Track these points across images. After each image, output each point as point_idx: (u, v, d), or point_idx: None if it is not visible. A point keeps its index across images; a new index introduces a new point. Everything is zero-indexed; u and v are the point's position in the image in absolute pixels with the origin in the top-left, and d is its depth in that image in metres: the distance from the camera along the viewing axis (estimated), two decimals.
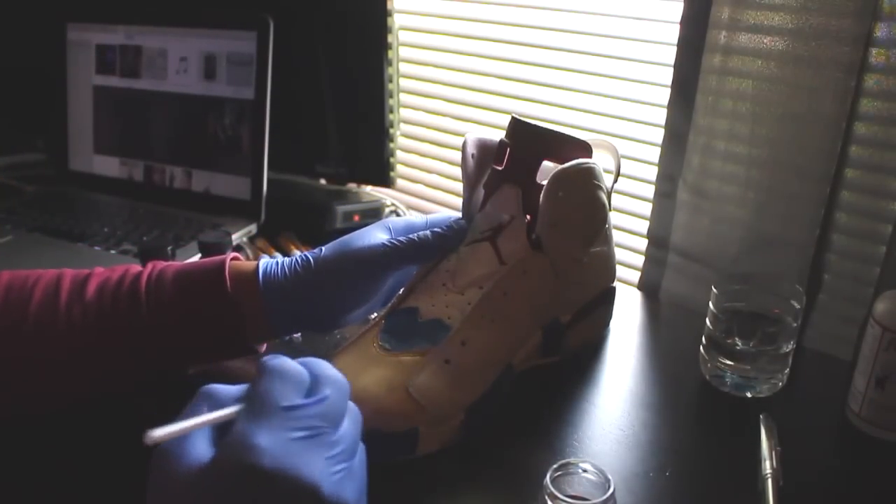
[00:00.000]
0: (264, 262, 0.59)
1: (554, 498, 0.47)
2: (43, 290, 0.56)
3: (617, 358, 0.75)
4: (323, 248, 0.60)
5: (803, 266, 0.74)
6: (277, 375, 0.38)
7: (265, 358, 0.40)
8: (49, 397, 0.58)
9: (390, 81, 1.12)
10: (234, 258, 0.60)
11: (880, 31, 0.66)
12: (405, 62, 1.12)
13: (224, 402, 0.38)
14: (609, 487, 0.47)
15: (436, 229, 0.62)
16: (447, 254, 0.64)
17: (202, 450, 0.35)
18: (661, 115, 0.82)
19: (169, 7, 1.07)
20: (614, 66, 0.90)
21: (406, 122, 1.15)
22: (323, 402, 0.37)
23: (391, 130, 1.15)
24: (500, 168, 0.65)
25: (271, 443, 0.34)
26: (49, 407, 0.60)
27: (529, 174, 0.64)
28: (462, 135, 0.60)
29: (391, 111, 1.14)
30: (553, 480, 0.49)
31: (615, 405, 0.67)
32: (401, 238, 0.60)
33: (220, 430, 0.37)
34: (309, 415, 0.36)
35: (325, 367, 0.40)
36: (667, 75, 0.80)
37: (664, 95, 0.81)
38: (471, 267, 0.63)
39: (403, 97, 1.14)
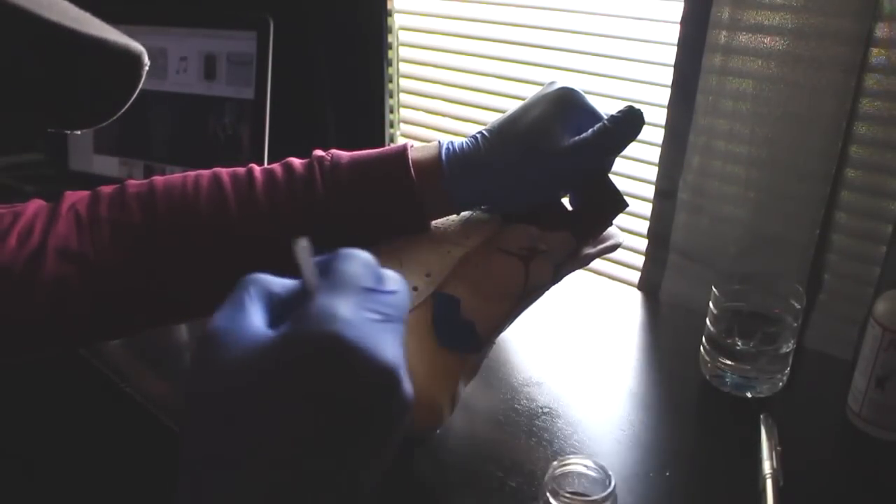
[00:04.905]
0: (445, 143, 0.59)
1: (556, 494, 0.47)
2: (208, 192, 0.57)
3: (617, 358, 0.75)
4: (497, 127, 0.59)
5: (803, 266, 0.74)
6: (355, 258, 0.35)
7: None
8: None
9: (390, 81, 1.12)
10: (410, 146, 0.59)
11: (880, 31, 0.66)
12: (405, 62, 1.12)
13: (271, 287, 0.35)
14: (610, 484, 0.47)
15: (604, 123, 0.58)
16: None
17: (259, 330, 0.32)
18: (661, 115, 0.82)
19: (169, 7, 1.07)
20: (614, 66, 0.90)
21: (406, 122, 1.15)
22: (395, 294, 0.35)
23: (391, 130, 1.15)
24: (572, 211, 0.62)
25: (353, 317, 0.31)
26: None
27: (591, 233, 0.63)
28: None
29: (391, 111, 1.14)
30: (554, 478, 0.49)
31: (615, 405, 0.67)
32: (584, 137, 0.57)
33: (276, 316, 0.34)
34: (385, 301, 0.34)
35: (388, 271, 0.38)
36: (667, 75, 0.80)
37: (664, 95, 0.81)
38: (498, 278, 0.59)
39: (403, 97, 1.14)
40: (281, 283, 0.35)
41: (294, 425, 0.31)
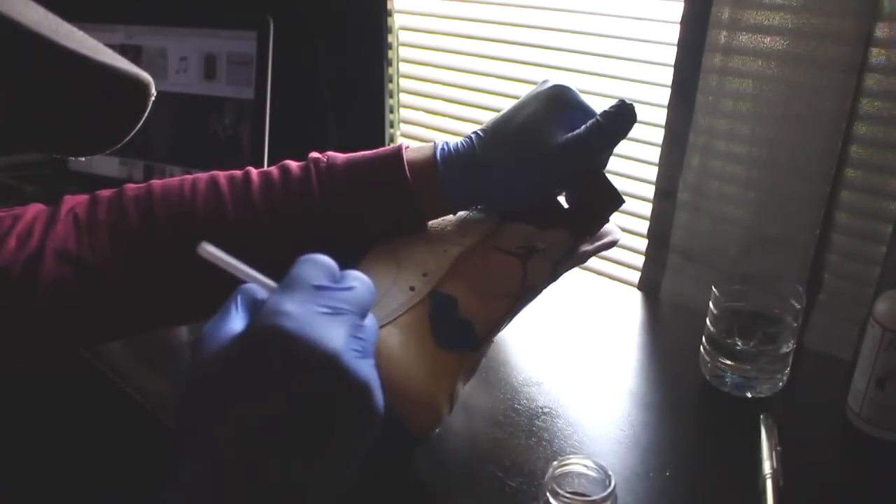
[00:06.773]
0: (440, 144, 0.59)
1: (555, 494, 0.47)
2: (204, 195, 0.57)
3: (617, 358, 0.75)
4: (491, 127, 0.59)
5: (803, 266, 0.74)
6: (310, 261, 0.39)
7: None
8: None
9: (390, 81, 1.12)
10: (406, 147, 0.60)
11: (880, 31, 0.66)
12: (405, 62, 1.12)
13: (255, 294, 0.40)
14: (610, 484, 0.47)
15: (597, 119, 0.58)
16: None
17: (235, 330, 0.37)
18: (661, 115, 0.82)
19: (169, 7, 1.07)
20: (614, 66, 0.90)
21: (406, 122, 1.15)
22: (351, 290, 0.38)
23: (391, 130, 1.15)
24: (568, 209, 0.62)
25: (297, 311, 0.36)
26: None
27: (588, 230, 0.62)
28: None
29: (391, 111, 1.14)
30: (554, 478, 0.49)
31: (615, 405, 0.67)
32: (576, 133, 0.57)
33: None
34: (336, 297, 0.37)
35: (352, 270, 0.42)
36: (667, 75, 0.80)
37: (664, 95, 0.81)
38: (496, 277, 0.59)
39: (403, 97, 1.14)
40: (264, 291, 0.40)
41: (251, 404, 0.35)
